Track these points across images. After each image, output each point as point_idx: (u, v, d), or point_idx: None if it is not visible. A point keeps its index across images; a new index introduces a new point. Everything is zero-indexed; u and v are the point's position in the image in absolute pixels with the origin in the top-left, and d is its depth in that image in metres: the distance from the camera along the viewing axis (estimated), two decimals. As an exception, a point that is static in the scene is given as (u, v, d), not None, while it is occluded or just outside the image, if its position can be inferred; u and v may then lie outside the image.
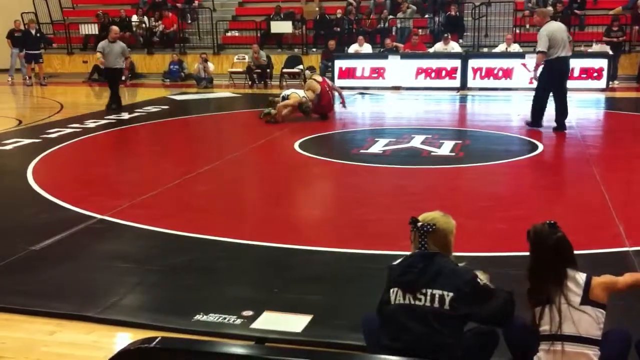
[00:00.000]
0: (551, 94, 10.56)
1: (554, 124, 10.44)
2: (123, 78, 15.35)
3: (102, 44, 13.52)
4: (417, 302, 3.07)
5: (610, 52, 16.05)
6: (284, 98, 11.95)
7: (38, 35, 19.50)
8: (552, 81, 10.37)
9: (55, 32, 22.21)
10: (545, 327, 3.06)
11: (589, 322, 3.01)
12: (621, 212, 6.08)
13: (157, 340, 1.42)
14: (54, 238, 5.65)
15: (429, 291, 3.07)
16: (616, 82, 16.31)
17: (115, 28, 14.23)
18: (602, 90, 15.39)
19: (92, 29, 21.01)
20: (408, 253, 3.30)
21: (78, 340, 3.96)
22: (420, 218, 3.27)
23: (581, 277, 3.09)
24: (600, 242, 5.30)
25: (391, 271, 3.22)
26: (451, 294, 3.05)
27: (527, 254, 5.10)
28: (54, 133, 10.79)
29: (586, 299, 3.03)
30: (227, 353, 1.40)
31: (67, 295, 4.53)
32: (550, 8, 11.67)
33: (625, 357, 3.17)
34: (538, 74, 10.48)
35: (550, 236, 3.16)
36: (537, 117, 10.68)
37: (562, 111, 10.42)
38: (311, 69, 15.55)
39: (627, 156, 8.95)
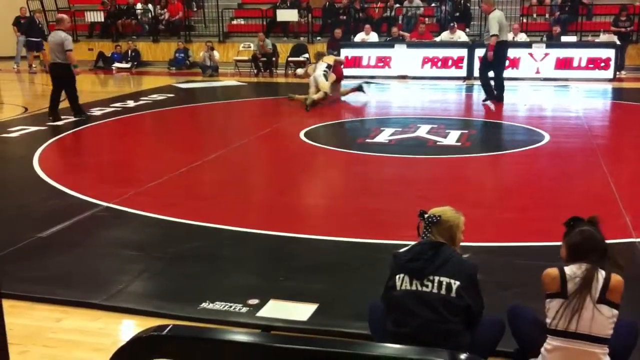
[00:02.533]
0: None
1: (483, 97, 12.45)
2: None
3: (70, 37, 11.18)
4: (425, 289, 3.08)
5: (618, 42, 15.95)
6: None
7: (40, 25, 19.50)
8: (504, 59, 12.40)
9: (61, 20, 22.15)
10: (556, 322, 3.00)
11: (602, 321, 2.96)
12: (628, 203, 6.06)
13: (168, 328, 1.43)
14: (61, 225, 5.66)
15: (437, 278, 3.08)
16: (623, 72, 16.23)
17: (67, 17, 11.93)
18: (609, 80, 15.32)
19: (98, 16, 21.00)
20: (413, 242, 3.31)
21: (84, 327, 3.97)
22: (430, 211, 3.28)
23: (601, 273, 3.01)
24: (607, 232, 5.21)
25: (397, 258, 3.22)
26: (458, 283, 3.07)
27: (532, 244, 5.12)
28: (59, 121, 10.79)
29: (603, 298, 2.97)
30: (238, 341, 1.41)
31: (73, 283, 4.55)
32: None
33: (632, 348, 3.16)
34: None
35: (600, 241, 3.10)
36: (502, 90, 12.32)
37: (501, 86, 12.35)
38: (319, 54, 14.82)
39: (634, 147, 8.93)
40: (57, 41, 10.79)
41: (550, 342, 3.04)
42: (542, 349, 3.07)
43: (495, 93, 12.31)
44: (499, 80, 12.36)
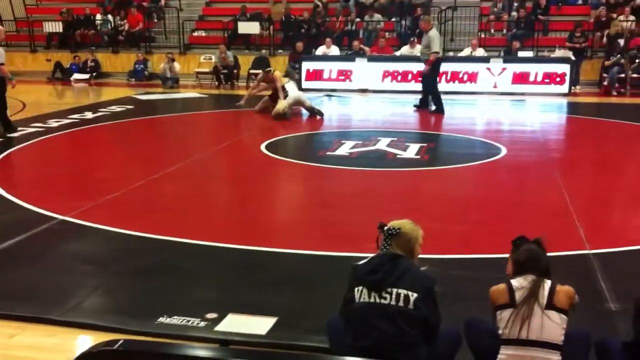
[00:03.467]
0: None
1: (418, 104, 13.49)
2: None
3: (1, 49, 10.58)
4: (383, 301, 3.10)
5: (573, 58, 16.32)
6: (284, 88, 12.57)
7: None
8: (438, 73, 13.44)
9: (19, 30, 21.83)
10: (508, 331, 3.08)
11: (552, 327, 3.05)
12: (582, 216, 6.20)
13: (119, 342, 1.41)
14: (15, 239, 5.55)
15: (394, 290, 3.10)
16: (578, 87, 16.60)
17: (2, 28, 11.57)
18: (565, 95, 15.65)
19: (56, 26, 20.70)
20: (373, 255, 3.34)
21: (39, 344, 3.90)
22: (389, 224, 3.32)
23: (547, 283, 3.14)
24: (561, 245, 5.37)
25: (356, 270, 3.24)
26: (415, 295, 3.10)
27: (489, 256, 5.20)
28: (16, 132, 10.59)
29: (550, 304, 3.07)
30: (190, 356, 1.40)
31: (28, 298, 4.46)
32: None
33: (586, 356, 3.23)
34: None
35: (544, 259, 3.23)
36: (440, 103, 13.05)
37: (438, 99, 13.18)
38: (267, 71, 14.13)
39: (589, 160, 9.14)
40: None
41: (504, 352, 3.10)
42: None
43: (424, 103, 13.43)
44: (436, 93, 13.24)
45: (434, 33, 12.91)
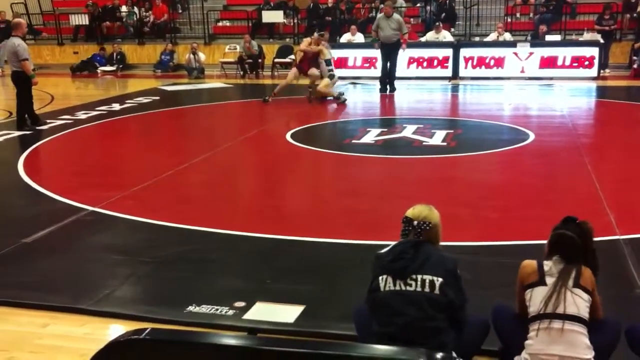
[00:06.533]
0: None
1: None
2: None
3: (24, 44, 10.43)
4: (409, 288, 3.08)
5: (602, 41, 16.05)
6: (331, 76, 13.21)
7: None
8: None
9: (45, 23, 22.06)
10: (537, 309, 3.07)
11: (582, 303, 3.06)
12: (612, 201, 6.12)
13: (147, 331, 1.42)
14: (46, 230, 5.64)
15: (419, 277, 3.09)
16: (607, 70, 16.33)
17: (24, 22, 11.35)
18: (594, 78, 15.42)
19: (83, 19, 20.89)
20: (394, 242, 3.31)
21: (71, 333, 3.96)
22: (408, 214, 3.26)
23: (574, 266, 3.13)
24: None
25: (379, 259, 3.22)
26: (440, 279, 3.08)
27: (518, 242, 5.16)
28: (44, 125, 10.74)
29: (577, 283, 3.08)
30: (216, 344, 1.41)
31: (59, 288, 4.53)
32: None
33: (616, 344, 3.21)
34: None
35: (575, 245, 3.18)
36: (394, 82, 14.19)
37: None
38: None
39: (618, 145, 9.00)
40: (10, 49, 10.19)
41: (533, 327, 3.08)
42: (526, 344, 3.10)
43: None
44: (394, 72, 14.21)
45: (398, 16, 14.03)
